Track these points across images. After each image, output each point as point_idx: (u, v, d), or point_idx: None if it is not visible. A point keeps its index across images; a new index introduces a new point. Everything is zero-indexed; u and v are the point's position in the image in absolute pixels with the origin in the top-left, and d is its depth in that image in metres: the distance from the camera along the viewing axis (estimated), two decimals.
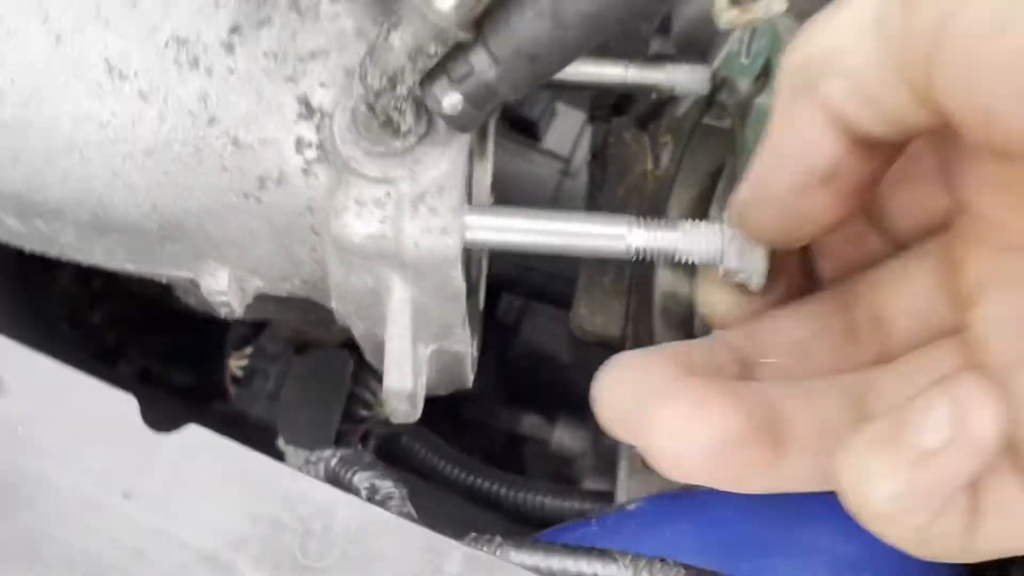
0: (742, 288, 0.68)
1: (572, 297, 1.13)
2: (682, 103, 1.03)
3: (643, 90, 0.98)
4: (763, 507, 0.86)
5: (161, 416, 0.66)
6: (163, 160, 0.73)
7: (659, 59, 1.05)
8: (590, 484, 1.38)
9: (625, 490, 1.02)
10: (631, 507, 0.91)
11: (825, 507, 0.85)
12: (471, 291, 0.83)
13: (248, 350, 1.31)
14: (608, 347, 1.17)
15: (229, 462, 0.66)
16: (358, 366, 1.26)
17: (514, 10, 0.65)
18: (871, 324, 0.60)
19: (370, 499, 0.87)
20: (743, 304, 0.67)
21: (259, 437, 1.28)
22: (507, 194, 1.39)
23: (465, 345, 0.80)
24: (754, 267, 0.68)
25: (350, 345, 1.26)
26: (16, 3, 0.71)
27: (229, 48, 0.72)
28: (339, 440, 1.27)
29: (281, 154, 0.74)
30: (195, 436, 0.66)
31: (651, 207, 1.09)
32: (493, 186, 1.00)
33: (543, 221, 0.72)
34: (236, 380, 1.32)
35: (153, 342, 1.59)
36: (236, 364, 1.31)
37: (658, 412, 0.52)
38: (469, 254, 0.76)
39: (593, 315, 1.15)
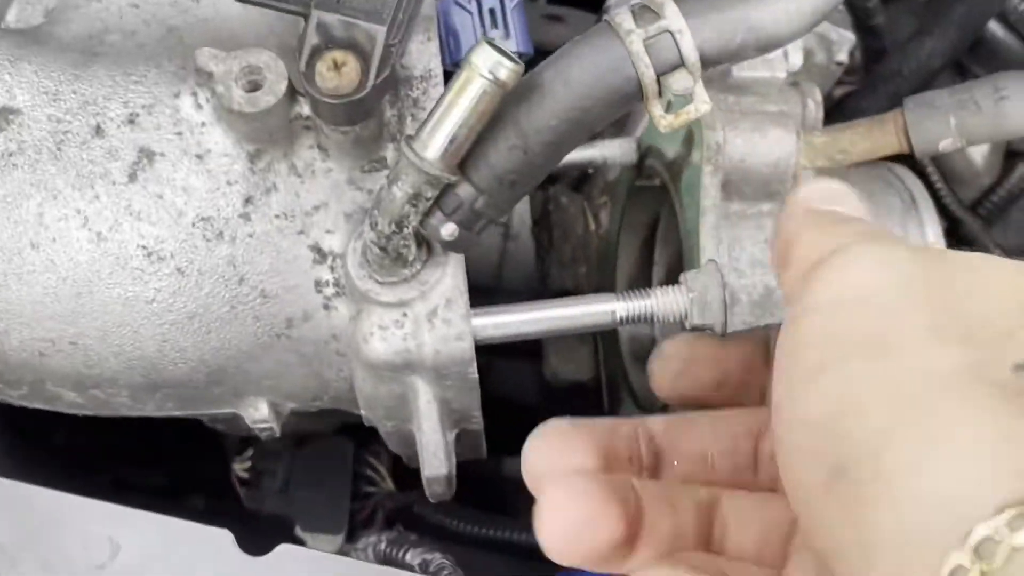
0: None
1: (529, 346, 1.24)
2: (613, 169, 1.16)
3: (581, 166, 1.10)
4: None
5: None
6: (205, 321, 0.84)
7: (591, 138, 1.19)
8: None
9: None
10: None
11: None
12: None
13: (249, 452, 1.41)
14: (582, 388, 1.30)
15: (322, 568, 0.77)
16: (357, 448, 1.37)
17: (490, 148, 0.77)
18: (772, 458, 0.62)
19: (424, 571, 0.98)
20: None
21: (276, 530, 1.39)
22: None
23: (481, 423, 0.92)
24: (715, 320, 0.82)
25: (345, 430, 1.37)
26: (57, 211, 0.81)
27: (246, 217, 0.83)
28: (352, 519, 1.37)
29: (304, 296, 0.85)
30: (287, 553, 0.77)
31: (599, 261, 1.22)
32: None
33: (539, 311, 0.85)
34: (244, 482, 1.42)
35: (121, 448, 1.66)
36: (241, 468, 1.41)
37: (545, 491, 0.62)
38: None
39: (565, 363, 1.28)
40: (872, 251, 0.55)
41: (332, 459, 1.37)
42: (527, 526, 1.33)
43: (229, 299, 0.84)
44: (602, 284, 1.21)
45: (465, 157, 0.77)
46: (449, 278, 0.83)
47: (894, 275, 0.53)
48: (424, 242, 0.83)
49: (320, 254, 0.84)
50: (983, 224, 1.29)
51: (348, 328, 0.85)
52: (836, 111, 1.19)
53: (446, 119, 0.74)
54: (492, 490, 1.69)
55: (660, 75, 0.76)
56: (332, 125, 0.81)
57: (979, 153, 1.41)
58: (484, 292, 1.49)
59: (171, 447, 1.43)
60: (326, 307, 0.85)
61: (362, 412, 0.92)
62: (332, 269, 0.85)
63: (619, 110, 0.78)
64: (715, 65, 0.78)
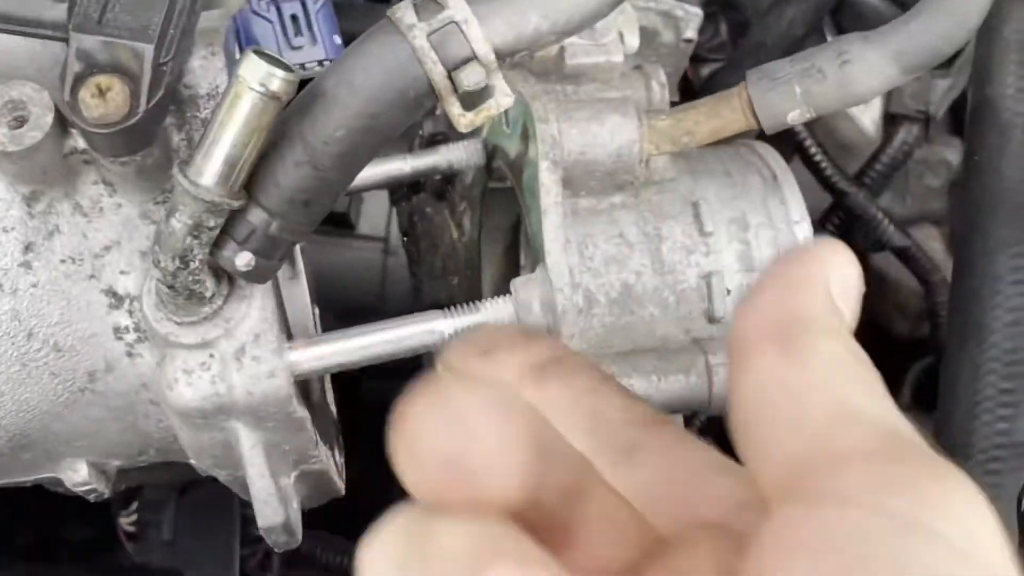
0: None
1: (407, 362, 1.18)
2: (467, 173, 1.09)
3: (427, 174, 1.04)
4: None
5: None
6: None
7: (436, 141, 1.12)
8: None
9: None
10: None
11: None
12: (317, 411, 0.88)
13: (134, 506, 1.34)
14: None
15: None
16: None
17: (277, 166, 0.71)
18: None
19: None
20: None
21: None
22: (340, 284, 1.45)
23: (324, 462, 0.85)
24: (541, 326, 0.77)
25: None
26: None
27: (27, 266, 0.76)
28: (243, 563, 1.31)
29: (103, 345, 0.78)
30: None
31: (468, 269, 1.16)
32: (324, 286, 1.06)
33: (360, 338, 0.78)
34: (130, 536, 1.35)
35: (42, 509, 1.60)
36: (126, 522, 1.34)
37: None
38: (306, 382, 0.82)
39: None
40: None
41: (218, 504, 1.30)
42: None
43: (18, 357, 0.77)
44: (472, 294, 1.15)
45: (251, 179, 0.70)
46: (256, 311, 0.76)
47: None
48: (224, 275, 0.76)
49: (115, 298, 0.77)
50: (868, 194, 1.24)
51: (156, 374, 0.78)
52: (705, 91, 1.13)
53: (219, 140, 0.68)
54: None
55: (451, 71, 0.70)
56: (109, 157, 0.74)
57: (870, 120, 1.35)
58: (368, 312, 1.42)
59: (41, 507, 1.36)
60: (130, 355, 0.78)
61: (192, 462, 0.85)
62: (131, 313, 0.78)
63: (414, 113, 0.71)
64: (511, 55, 0.72)
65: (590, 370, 0.46)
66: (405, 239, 1.27)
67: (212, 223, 0.70)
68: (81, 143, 0.75)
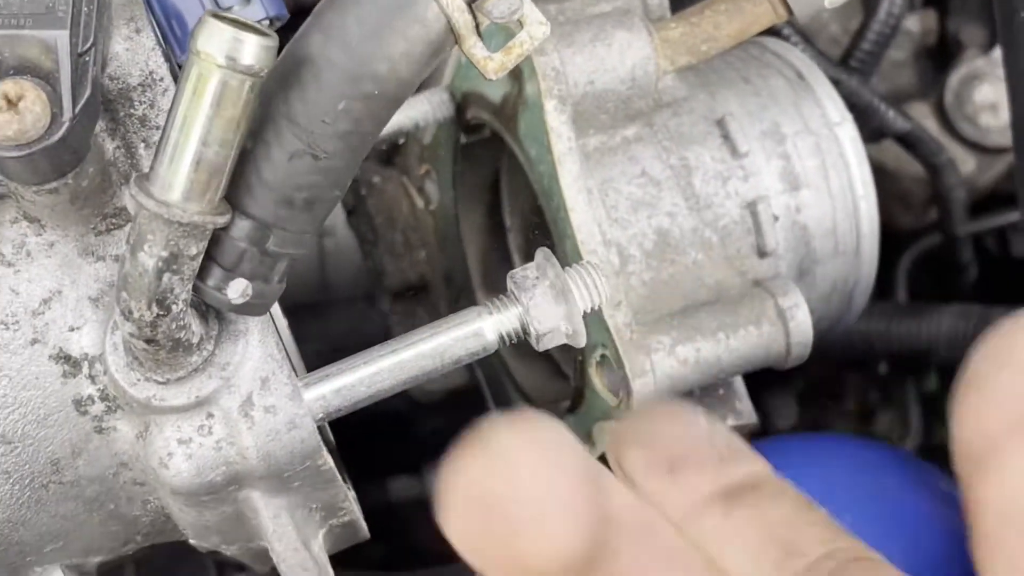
0: None
1: None
2: (427, 131, 0.93)
3: (391, 138, 0.87)
4: None
5: None
6: None
7: None
8: None
9: None
10: None
11: None
12: (330, 448, 0.72)
13: None
14: (458, 397, 1.08)
15: None
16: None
17: (263, 163, 0.54)
18: None
19: None
20: None
21: None
22: None
23: (355, 511, 0.69)
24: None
25: None
26: None
27: None
28: None
29: (64, 426, 0.61)
30: None
31: (440, 241, 1.00)
32: None
33: (390, 357, 0.62)
34: None
35: None
36: None
37: None
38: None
39: None
40: None
41: (185, 557, 1.12)
42: None
43: None
44: (451, 267, 0.99)
45: (232, 184, 0.53)
46: (256, 349, 0.60)
47: None
48: (209, 310, 0.59)
49: (70, 363, 0.60)
50: (860, 78, 1.10)
51: (138, 449, 0.61)
52: None
53: (185, 140, 0.51)
54: (381, 522, 1.47)
55: (472, 1, 0.53)
56: (32, 185, 0.56)
57: None
58: (313, 308, 1.25)
59: None
60: (100, 431, 0.61)
61: (192, 543, 0.68)
62: (92, 379, 0.60)
63: (430, 64, 0.55)
64: None
65: (794, 499, 0.40)
66: (351, 217, 1.10)
67: (193, 250, 0.53)
68: None
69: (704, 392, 0.80)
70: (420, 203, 0.99)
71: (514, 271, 0.61)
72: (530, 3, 0.55)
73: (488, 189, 0.95)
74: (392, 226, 1.04)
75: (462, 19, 0.53)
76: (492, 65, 0.55)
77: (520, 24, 0.55)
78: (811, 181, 0.81)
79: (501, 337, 0.62)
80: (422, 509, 1.40)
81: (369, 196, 1.04)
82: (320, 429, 0.68)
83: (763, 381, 1.37)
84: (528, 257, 0.97)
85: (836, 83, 1.08)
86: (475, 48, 0.55)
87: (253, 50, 0.50)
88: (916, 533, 0.79)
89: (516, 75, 0.76)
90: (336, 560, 0.82)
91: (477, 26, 0.54)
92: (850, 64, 1.11)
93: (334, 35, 0.53)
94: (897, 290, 1.31)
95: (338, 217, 1.18)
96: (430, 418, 1.35)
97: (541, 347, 0.61)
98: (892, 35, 1.12)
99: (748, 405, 0.81)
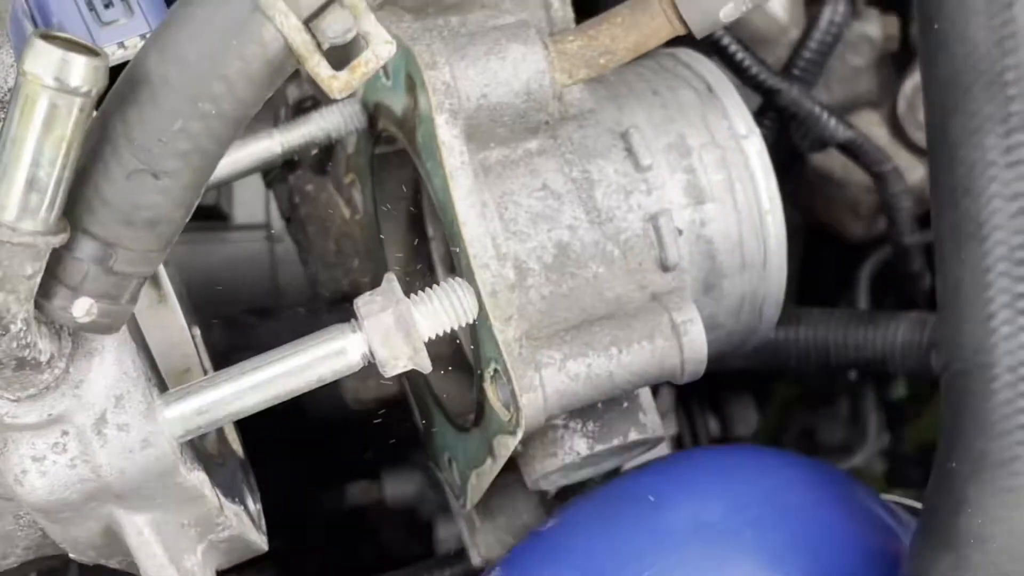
0: None
1: None
2: (349, 140, 0.92)
3: (302, 150, 0.87)
4: (620, 525, 0.79)
5: None
6: None
7: (304, 108, 0.95)
8: (444, 528, 1.29)
9: (476, 552, 0.93)
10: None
11: None
12: (215, 461, 0.72)
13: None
14: (392, 404, 1.08)
15: None
16: None
17: (102, 182, 0.54)
18: None
19: None
20: None
21: None
22: (225, 286, 1.27)
23: (236, 525, 0.69)
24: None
25: None
26: None
27: None
28: None
29: None
30: None
31: (368, 250, 1.00)
32: (205, 292, 0.90)
33: (252, 375, 0.62)
34: None
35: None
36: None
37: None
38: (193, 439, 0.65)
39: (364, 382, 1.05)
40: None
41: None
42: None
43: None
44: (379, 276, 0.98)
45: (72, 202, 0.53)
46: (111, 366, 0.60)
47: None
48: (61, 328, 0.59)
49: None
50: (802, 86, 1.09)
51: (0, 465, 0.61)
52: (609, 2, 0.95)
53: (16, 160, 0.51)
54: (343, 529, 1.47)
55: (308, 21, 0.53)
56: None
57: (780, 6, 1.21)
58: (265, 313, 1.25)
59: None
60: None
61: (72, 557, 0.68)
62: None
63: (270, 84, 0.55)
64: None
65: None
66: (289, 225, 1.10)
67: (28, 270, 0.53)
68: None
69: (607, 406, 0.80)
70: (347, 212, 0.99)
71: (358, 298, 0.61)
72: (374, 22, 0.55)
73: (410, 199, 0.95)
74: (325, 235, 1.04)
75: (300, 39, 0.53)
76: (337, 84, 0.55)
77: (365, 42, 0.55)
78: (716, 195, 0.80)
79: (364, 356, 0.62)
80: (378, 510, 1.41)
81: (302, 205, 1.04)
82: (195, 444, 0.68)
83: (728, 388, 1.37)
84: (450, 267, 0.97)
85: (776, 92, 1.08)
86: (319, 67, 0.54)
87: (81, 71, 0.49)
88: (818, 549, 0.78)
89: (411, 88, 0.76)
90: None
91: (319, 45, 0.54)
92: (792, 72, 1.10)
93: (169, 54, 0.53)
94: (859, 299, 1.30)
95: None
96: (387, 424, 1.35)
97: (386, 373, 0.61)
98: (834, 43, 1.11)
99: (654, 418, 0.81)
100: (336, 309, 1.08)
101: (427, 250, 0.96)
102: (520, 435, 0.74)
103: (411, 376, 0.98)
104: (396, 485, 1.37)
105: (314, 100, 0.96)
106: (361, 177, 0.94)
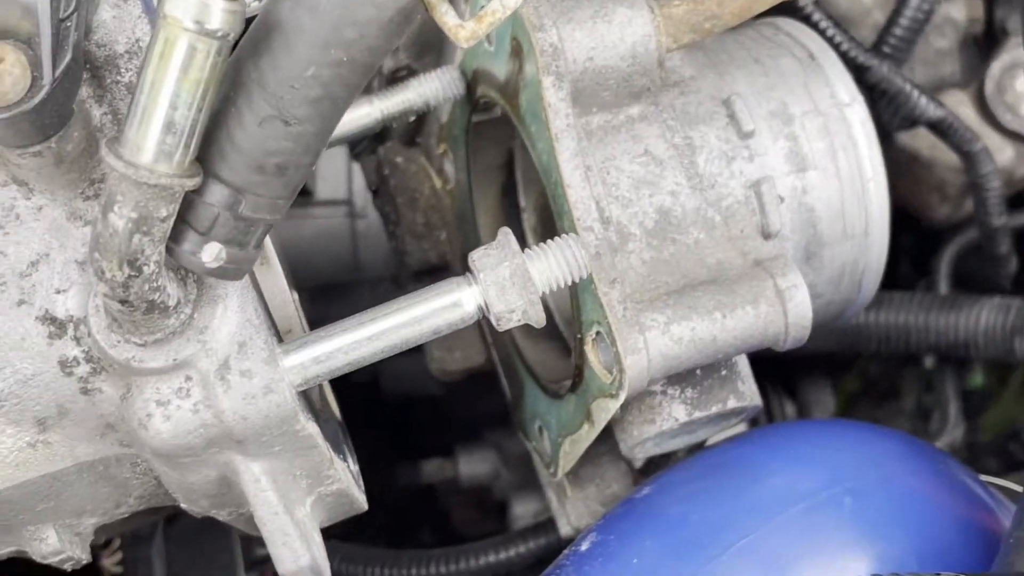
0: None
1: None
2: (443, 109, 0.93)
3: (400, 116, 0.88)
4: (716, 493, 0.79)
5: None
6: None
7: (399, 78, 0.96)
8: (519, 506, 1.29)
9: (566, 520, 0.93)
10: (584, 546, 0.82)
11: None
12: (321, 416, 0.73)
13: (117, 543, 1.18)
14: (477, 377, 1.08)
15: None
16: None
17: (235, 127, 0.55)
18: None
19: None
20: None
21: None
22: (307, 261, 1.28)
23: (343, 479, 0.70)
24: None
25: None
26: None
27: None
28: None
29: (51, 386, 0.62)
30: None
31: (458, 220, 1.00)
32: (294, 266, 0.90)
33: (369, 326, 0.63)
34: None
35: None
36: (111, 563, 1.18)
37: None
38: (307, 390, 0.66)
39: (450, 352, 1.06)
40: None
41: (212, 527, 1.13)
42: (458, 555, 1.12)
43: None
44: (468, 247, 0.99)
45: (204, 148, 0.54)
46: (234, 314, 0.61)
47: None
48: (189, 275, 0.60)
49: (56, 324, 0.61)
50: (892, 64, 1.09)
51: (122, 411, 0.62)
52: None
53: (153, 103, 0.52)
54: (414, 504, 1.48)
55: None
56: (16, 147, 0.57)
57: None
58: (342, 289, 1.26)
59: None
60: (85, 392, 0.62)
61: (183, 507, 0.69)
62: (78, 340, 0.62)
63: (400, 31, 0.55)
64: None
65: None
66: (376, 198, 1.10)
67: (163, 212, 0.54)
68: None
69: (705, 373, 0.80)
70: (439, 183, 1.00)
71: (474, 251, 0.61)
72: None
73: (502, 168, 0.95)
74: (414, 207, 1.04)
75: None
76: (464, 33, 0.55)
77: None
78: (818, 162, 0.80)
79: (479, 308, 0.63)
80: (450, 488, 1.41)
81: (392, 177, 1.05)
82: (310, 398, 0.69)
83: (804, 372, 1.36)
84: (542, 237, 0.98)
85: (867, 69, 1.08)
86: (446, 16, 0.55)
87: (220, 15, 0.50)
88: (917, 520, 0.78)
89: (517, 52, 0.76)
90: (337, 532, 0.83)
91: None
92: (883, 50, 1.09)
93: (303, 1, 0.54)
94: (939, 283, 1.29)
95: (370, 199, 1.19)
96: (461, 402, 1.36)
97: (500, 327, 0.62)
98: (925, 21, 1.10)
99: (751, 387, 0.81)
100: (422, 281, 1.08)
101: (519, 222, 0.97)
102: (622, 398, 0.74)
103: (499, 345, 0.99)
104: (471, 463, 1.38)
105: (409, 69, 0.97)
106: (455, 147, 0.95)
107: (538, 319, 0.63)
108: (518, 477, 1.33)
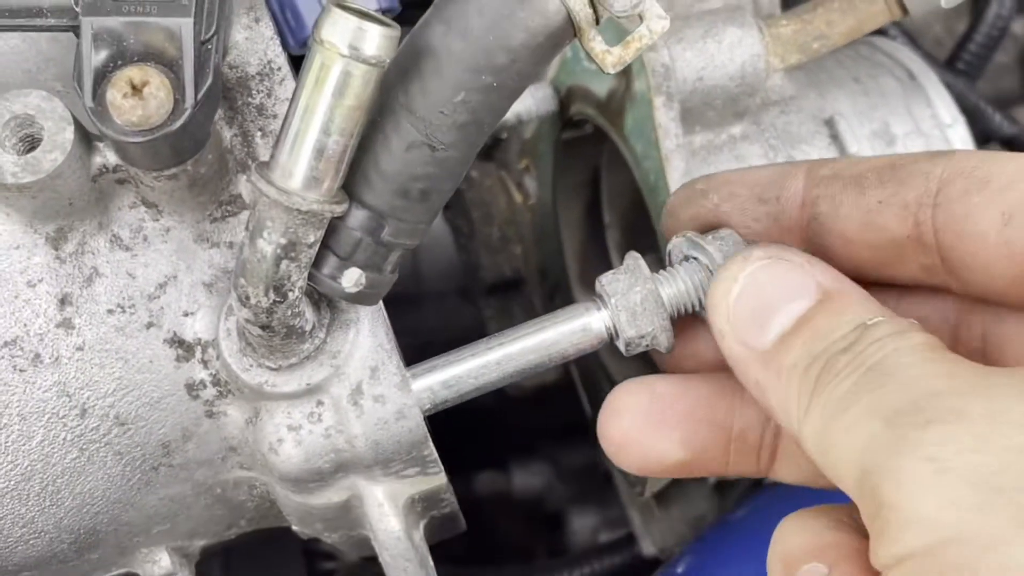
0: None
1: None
2: (529, 125, 0.93)
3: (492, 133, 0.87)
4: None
5: None
6: (48, 478, 0.60)
7: None
8: (578, 519, 1.29)
9: (651, 540, 0.93)
10: (680, 568, 0.81)
11: None
12: None
13: None
14: (549, 393, 1.08)
15: None
16: None
17: (382, 153, 0.54)
18: None
19: None
20: None
21: None
22: None
23: (454, 503, 0.69)
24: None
25: None
26: None
27: (67, 325, 0.59)
28: None
29: (176, 409, 0.61)
30: None
31: (537, 236, 1.00)
32: None
33: (498, 350, 0.62)
34: None
35: None
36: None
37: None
38: None
39: None
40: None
41: (274, 542, 1.13)
42: (538, 572, 1.12)
43: (73, 440, 0.60)
44: (545, 263, 0.99)
45: (349, 174, 0.54)
46: (366, 338, 0.60)
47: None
48: (321, 299, 0.60)
49: (183, 347, 0.61)
50: (967, 81, 1.08)
51: (247, 435, 0.62)
52: None
53: (306, 128, 0.51)
54: (470, 517, 1.47)
55: None
56: (153, 170, 0.57)
57: None
58: (404, 303, 1.25)
59: None
60: (210, 415, 0.62)
61: (295, 529, 0.69)
62: (205, 363, 0.61)
63: (549, 57, 0.55)
64: None
65: None
66: (446, 211, 1.10)
67: (311, 238, 0.53)
68: (112, 158, 0.58)
69: None
70: (519, 198, 0.99)
71: (603, 275, 0.61)
72: None
73: (587, 185, 0.95)
74: (489, 221, 1.04)
75: (583, 12, 0.53)
76: (611, 59, 0.55)
77: (640, 18, 0.55)
78: None
79: (609, 333, 0.62)
80: (505, 505, 1.40)
81: (467, 190, 1.05)
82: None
83: None
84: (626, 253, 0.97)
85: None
86: (594, 42, 0.54)
87: (376, 40, 0.50)
88: None
89: (624, 70, 0.76)
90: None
91: (597, 19, 0.54)
92: (956, 67, 1.09)
93: (455, 26, 0.53)
94: None
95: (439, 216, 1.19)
96: (516, 414, 1.35)
97: (628, 353, 0.61)
98: (1000, 38, 1.10)
99: None
100: (494, 294, 1.08)
101: (602, 238, 0.96)
102: None
103: (582, 361, 0.99)
104: (525, 476, 1.37)
105: None
106: (539, 163, 0.94)
107: (668, 345, 0.62)
108: (574, 491, 1.32)
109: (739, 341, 0.52)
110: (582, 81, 0.82)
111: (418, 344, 1.20)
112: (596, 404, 0.96)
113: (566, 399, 1.06)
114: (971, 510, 0.40)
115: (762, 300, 0.51)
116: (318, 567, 1.16)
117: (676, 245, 0.61)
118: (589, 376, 0.97)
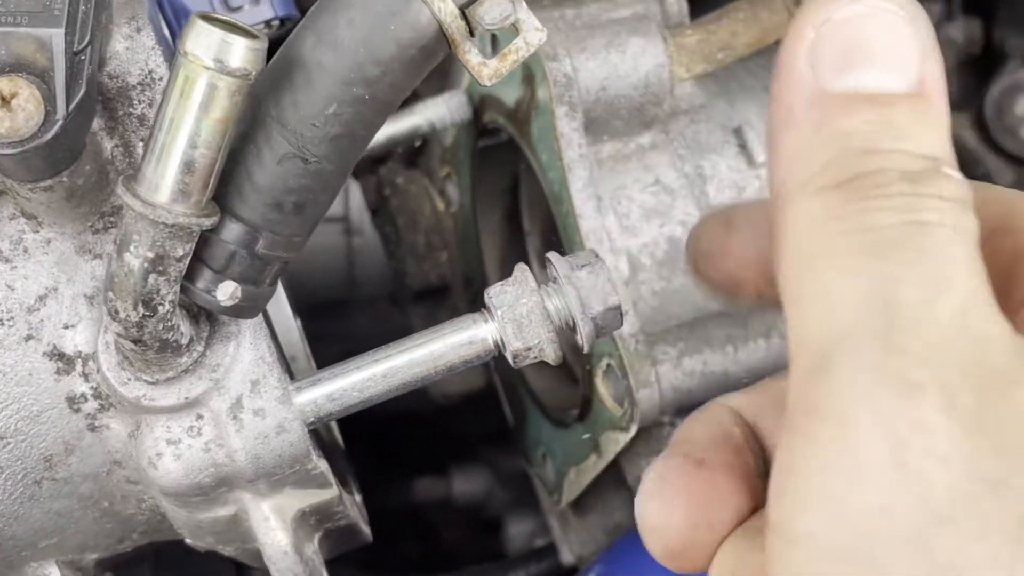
0: None
1: None
2: (447, 132, 0.92)
3: (406, 140, 0.87)
4: None
5: None
6: None
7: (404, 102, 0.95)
8: (515, 525, 1.28)
9: (568, 548, 0.92)
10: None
11: None
12: (327, 448, 0.72)
13: None
14: (477, 400, 1.07)
15: None
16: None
17: (254, 165, 0.54)
18: None
19: None
20: None
21: None
22: (300, 277, 1.27)
23: (352, 514, 0.69)
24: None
25: None
26: None
27: None
28: None
29: (57, 423, 0.61)
30: None
31: (460, 243, 0.99)
32: (289, 282, 0.89)
33: (383, 363, 0.61)
34: None
35: None
36: None
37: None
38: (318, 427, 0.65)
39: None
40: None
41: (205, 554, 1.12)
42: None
43: None
44: (470, 269, 0.98)
45: (221, 187, 0.53)
46: (247, 350, 0.59)
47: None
48: (201, 312, 0.59)
49: (63, 360, 0.60)
50: None
51: (130, 448, 0.61)
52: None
53: (172, 141, 0.51)
54: (409, 524, 1.47)
55: (464, 7, 0.53)
56: (27, 182, 0.56)
57: None
58: (338, 308, 1.25)
59: None
60: (92, 428, 0.61)
61: (188, 542, 0.68)
62: (86, 376, 0.60)
63: (422, 70, 0.54)
64: None
65: None
66: (375, 217, 1.10)
67: (180, 252, 0.53)
68: None
69: None
70: (441, 205, 0.99)
71: (490, 288, 0.60)
72: (526, 9, 0.54)
73: (507, 192, 0.94)
74: (414, 228, 1.04)
75: (455, 25, 0.53)
76: (487, 71, 0.54)
77: (516, 29, 0.54)
78: None
79: (496, 345, 0.62)
80: (447, 511, 1.40)
81: (392, 197, 1.04)
82: (319, 432, 0.68)
83: None
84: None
85: None
86: (469, 54, 0.54)
87: (241, 52, 0.49)
88: None
89: (529, 80, 0.76)
90: (344, 560, 0.82)
91: (471, 31, 0.53)
92: None
93: (326, 38, 0.53)
94: None
95: (366, 216, 1.18)
96: (454, 420, 1.35)
97: (516, 365, 0.61)
98: None
99: None
100: (422, 301, 1.07)
101: (523, 245, 0.96)
102: (633, 431, 0.73)
103: (502, 370, 0.98)
104: (464, 481, 1.36)
105: (415, 92, 0.96)
106: (459, 170, 0.94)
107: (555, 357, 0.62)
108: (512, 496, 1.32)
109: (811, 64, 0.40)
110: (493, 90, 0.82)
111: (351, 350, 1.19)
112: (518, 414, 0.96)
113: (494, 405, 1.06)
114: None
115: (860, 44, 0.40)
116: (249, 571, 1.15)
117: (555, 259, 0.60)
118: (510, 385, 0.96)
